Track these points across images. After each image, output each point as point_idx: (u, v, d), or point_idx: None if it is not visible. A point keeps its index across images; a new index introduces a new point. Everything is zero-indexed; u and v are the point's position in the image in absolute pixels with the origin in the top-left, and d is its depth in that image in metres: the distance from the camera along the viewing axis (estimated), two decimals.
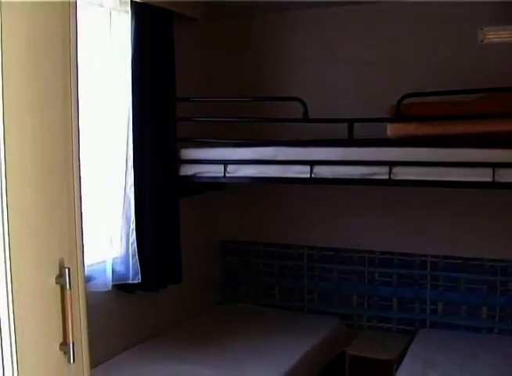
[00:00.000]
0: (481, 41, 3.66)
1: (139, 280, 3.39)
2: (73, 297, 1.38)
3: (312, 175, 3.31)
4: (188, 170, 3.63)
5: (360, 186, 3.64)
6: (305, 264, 4.27)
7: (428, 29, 3.75)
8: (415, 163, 3.11)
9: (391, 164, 3.14)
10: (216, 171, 3.54)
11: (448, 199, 3.79)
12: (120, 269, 3.41)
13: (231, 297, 4.49)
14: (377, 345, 3.85)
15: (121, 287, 3.44)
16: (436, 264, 3.91)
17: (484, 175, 2.96)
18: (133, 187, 3.41)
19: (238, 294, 4.48)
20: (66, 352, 1.38)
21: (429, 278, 3.93)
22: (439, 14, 3.68)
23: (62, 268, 1.37)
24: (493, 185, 2.96)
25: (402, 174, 3.14)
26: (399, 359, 3.56)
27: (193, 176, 3.63)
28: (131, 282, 3.40)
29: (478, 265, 3.81)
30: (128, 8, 3.31)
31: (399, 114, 3.16)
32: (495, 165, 2.93)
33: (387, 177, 3.16)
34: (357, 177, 3.24)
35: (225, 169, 3.52)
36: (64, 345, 1.38)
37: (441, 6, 3.63)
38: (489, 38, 3.64)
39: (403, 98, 3.14)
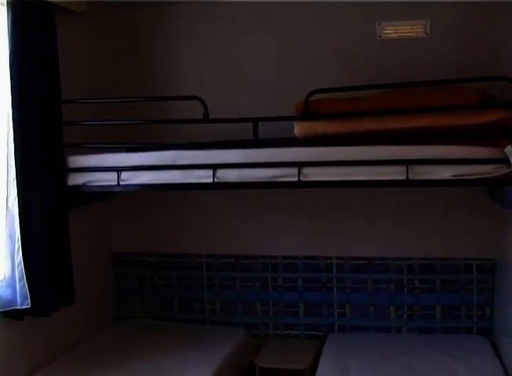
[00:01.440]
0: (380, 37, 3.59)
1: (29, 305, 3.03)
2: None
3: (215, 180, 3.08)
4: (77, 179, 3.28)
5: (260, 190, 3.43)
6: (205, 273, 4.03)
7: (331, 25, 3.64)
8: (325, 163, 2.95)
9: (300, 165, 2.97)
10: (108, 179, 3.22)
11: (353, 199, 3.69)
12: (5, 293, 3.04)
13: (126, 312, 4.18)
14: (287, 354, 3.69)
15: (8, 314, 3.05)
16: (342, 266, 3.80)
17: (397, 173, 2.86)
18: (16, 201, 3.04)
19: (133, 310, 4.17)
20: None
21: (335, 281, 3.82)
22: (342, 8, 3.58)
23: None
24: (407, 183, 2.87)
25: (313, 175, 2.98)
26: (313, 368, 3.41)
27: (83, 186, 3.28)
28: (19, 308, 3.03)
29: (384, 264, 3.74)
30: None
31: (307, 112, 3.01)
32: (408, 162, 2.84)
33: (296, 179, 2.99)
34: (264, 180, 3.04)
35: (118, 177, 3.20)
36: None
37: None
38: (387, 33, 3.58)
39: (310, 94, 2.98)
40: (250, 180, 3.05)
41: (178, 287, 4.08)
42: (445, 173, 2.81)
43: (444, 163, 2.80)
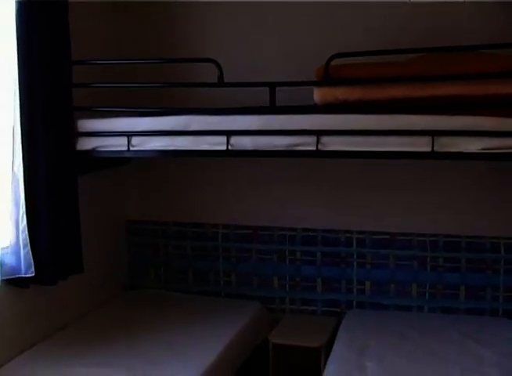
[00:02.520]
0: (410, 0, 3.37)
1: (33, 273, 2.92)
2: None
3: (229, 147, 2.92)
4: (86, 144, 3.15)
5: (280, 158, 3.25)
6: (220, 244, 3.90)
7: None
8: (345, 132, 2.78)
9: (319, 134, 2.79)
10: (119, 144, 3.08)
11: (376, 171, 3.51)
12: (10, 260, 2.93)
13: (139, 282, 4.07)
14: (302, 331, 3.55)
15: (12, 282, 2.95)
16: (363, 240, 3.64)
17: (422, 145, 2.67)
18: (22, 166, 2.91)
19: (147, 279, 4.06)
20: None
21: (355, 256, 3.66)
22: None
23: None
24: (432, 155, 2.68)
25: (331, 144, 2.80)
26: (328, 346, 3.28)
27: (93, 151, 3.15)
28: (23, 276, 2.92)
29: (407, 240, 3.57)
30: None
31: (327, 77, 2.82)
32: (434, 133, 2.65)
33: (314, 148, 2.82)
34: (281, 148, 2.88)
35: (129, 142, 3.06)
36: None
37: None
38: None
39: (332, 58, 2.79)
40: (265, 148, 2.89)
41: (193, 257, 3.96)
42: (473, 146, 2.62)
43: (472, 135, 2.61)
